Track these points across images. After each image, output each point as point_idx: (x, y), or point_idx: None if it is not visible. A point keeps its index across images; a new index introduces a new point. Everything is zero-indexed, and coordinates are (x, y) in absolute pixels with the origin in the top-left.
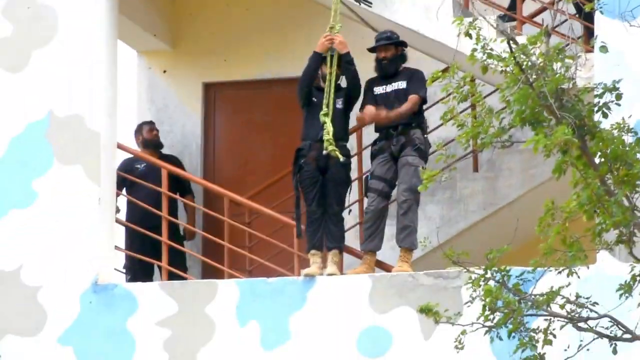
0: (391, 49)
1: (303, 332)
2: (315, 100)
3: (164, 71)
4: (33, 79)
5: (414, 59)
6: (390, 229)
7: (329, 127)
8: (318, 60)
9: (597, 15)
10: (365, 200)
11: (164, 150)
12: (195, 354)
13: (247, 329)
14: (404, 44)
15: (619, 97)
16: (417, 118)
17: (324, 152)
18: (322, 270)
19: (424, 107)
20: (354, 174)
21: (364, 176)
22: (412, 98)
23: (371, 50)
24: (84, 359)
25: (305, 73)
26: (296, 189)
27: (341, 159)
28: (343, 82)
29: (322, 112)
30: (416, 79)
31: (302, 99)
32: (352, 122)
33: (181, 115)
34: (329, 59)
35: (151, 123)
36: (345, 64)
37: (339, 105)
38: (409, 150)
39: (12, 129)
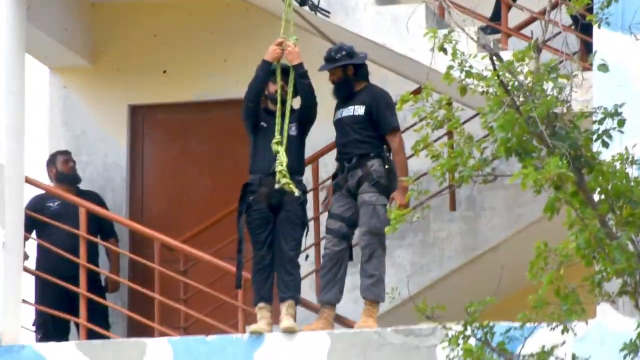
0: (337, 71)
1: None
2: (265, 125)
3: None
4: None
5: (381, 77)
6: (352, 278)
7: (282, 158)
8: (267, 70)
9: (597, 27)
10: (322, 243)
11: (82, 185)
12: None
13: None
14: (355, 61)
15: (621, 123)
16: (376, 147)
17: (276, 186)
18: (271, 327)
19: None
20: (309, 213)
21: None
22: (394, 138)
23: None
24: None
25: (252, 87)
26: (240, 230)
27: (296, 193)
28: (296, 103)
29: (274, 140)
30: (383, 106)
31: (249, 122)
32: (308, 151)
33: (103, 144)
34: (278, 71)
35: (66, 153)
36: (298, 77)
37: (293, 131)
38: (366, 185)
39: None
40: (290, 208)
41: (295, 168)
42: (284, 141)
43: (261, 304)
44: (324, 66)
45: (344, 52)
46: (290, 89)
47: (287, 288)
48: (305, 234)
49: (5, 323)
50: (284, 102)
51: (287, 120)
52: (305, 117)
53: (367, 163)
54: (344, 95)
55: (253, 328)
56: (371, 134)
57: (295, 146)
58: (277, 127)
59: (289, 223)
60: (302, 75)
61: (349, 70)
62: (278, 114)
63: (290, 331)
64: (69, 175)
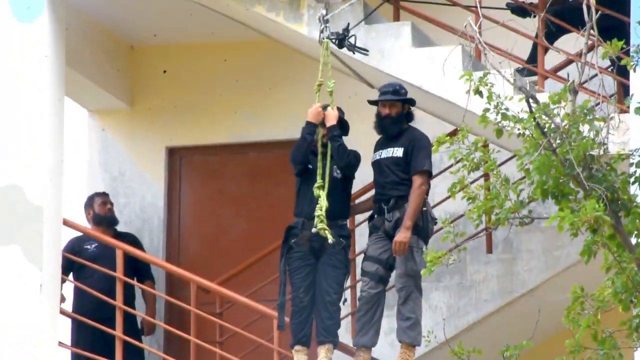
0: (397, 105)
1: None
2: (312, 167)
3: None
4: None
5: (417, 118)
6: (388, 320)
7: (322, 202)
8: (312, 131)
9: (633, 71)
10: (359, 286)
11: (120, 228)
12: None
13: None
14: (412, 102)
15: None
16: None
17: (313, 230)
18: None
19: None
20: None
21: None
22: (417, 179)
23: (372, 102)
24: None
25: (298, 148)
26: (283, 272)
27: (330, 240)
28: None
29: (315, 185)
30: (419, 148)
31: (296, 169)
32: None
33: (140, 185)
34: (319, 129)
35: (104, 195)
36: (330, 139)
37: (337, 174)
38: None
39: None
40: (332, 252)
41: (339, 212)
42: (326, 185)
43: (298, 347)
44: (390, 95)
45: (404, 90)
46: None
47: (327, 332)
48: (346, 278)
49: None
50: (326, 146)
51: (328, 164)
52: (343, 173)
53: (405, 205)
54: (395, 133)
55: None
56: (408, 177)
57: (340, 189)
58: (319, 172)
59: (331, 266)
60: (333, 137)
61: (406, 108)
62: (320, 157)
63: None
64: (107, 217)
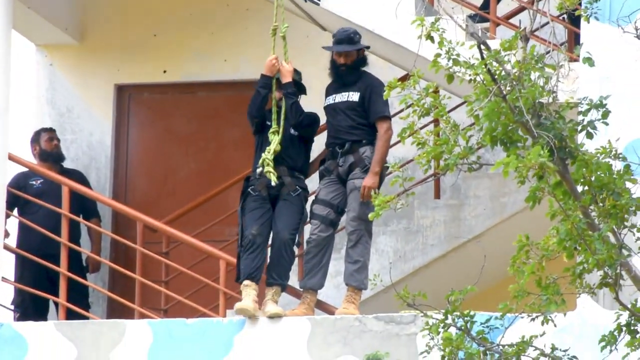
0: (352, 54)
1: None
2: (269, 124)
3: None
4: None
5: (369, 62)
6: (335, 263)
7: (272, 146)
8: (268, 84)
9: (586, 22)
10: (307, 228)
11: (66, 164)
12: None
13: None
14: (366, 47)
15: (606, 115)
16: (369, 134)
17: (258, 170)
18: (257, 305)
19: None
20: None
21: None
22: (381, 126)
23: (328, 49)
24: None
25: (254, 101)
26: (241, 224)
27: (273, 182)
28: None
29: (270, 130)
30: (376, 94)
31: (254, 125)
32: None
33: (88, 122)
34: (274, 82)
35: (51, 130)
36: (284, 96)
37: (293, 132)
38: (358, 171)
39: None
40: (288, 197)
41: (298, 167)
42: (281, 131)
43: (247, 282)
44: (344, 47)
45: (359, 36)
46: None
47: (278, 274)
48: (302, 224)
49: None
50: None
51: (283, 114)
52: (300, 131)
53: (360, 149)
54: (351, 80)
55: (239, 305)
56: (364, 122)
57: (297, 146)
58: (274, 117)
59: (287, 210)
60: (290, 94)
61: (362, 53)
62: (274, 116)
63: (276, 316)
64: (53, 153)
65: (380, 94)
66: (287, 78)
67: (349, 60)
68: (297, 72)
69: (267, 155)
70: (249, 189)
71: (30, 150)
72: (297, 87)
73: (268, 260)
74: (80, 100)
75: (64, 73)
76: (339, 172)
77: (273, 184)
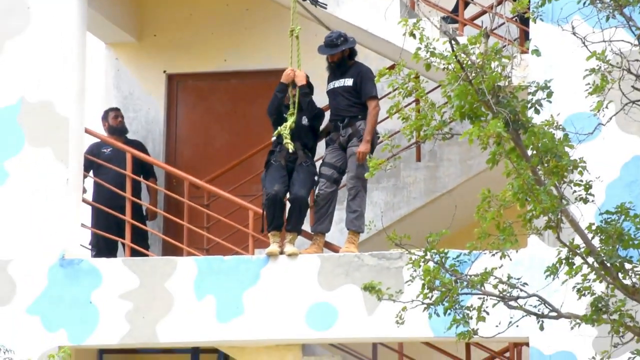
0: (337, 54)
1: (255, 306)
2: (285, 116)
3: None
4: (6, 67)
5: (364, 55)
6: (338, 213)
7: (288, 122)
8: (284, 89)
9: (533, 22)
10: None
11: (129, 136)
12: (154, 326)
13: (203, 302)
14: (350, 45)
15: (550, 95)
16: (363, 111)
17: (273, 137)
18: (281, 249)
19: None
20: None
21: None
22: (370, 104)
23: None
24: (50, 328)
25: (272, 103)
26: (264, 187)
27: (290, 149)
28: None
29: (288, 113)
30: (365, 79)
31: (273, 121)
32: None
33: (145, 103)
34: (290, 87)
35: (116, 110)
36: (301, 96)
37: (305, 122)
38: (355, 141)
39: None
40: (301, 167)
41: (308, 145)
42: (295, 113)
43: (273, 232)
44: (328, 51)
45: (342, 38)
46: (297, 93)
47: (295, 223)
48: (313, 186)
49: (68, 242)
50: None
51: (296, 106)
52: (311, 123)
53: (356, 123)
54: (340, 72)
55: (269, 250)
56: (358, 101)
57: (308, 132)
58: (290, 103)
59: (301, 175)
60: (304, 94)
61: (346, 52)
62: (291, 103)
63: (293, 255)
64: (118, 128)
65: (369, 78)
66: (301, 81)
67: (335, 58)
68: (306, 76)
69: (284, 130)
70: (271, 160)
71: (101, 125)
72: (308, 86)
73: (287, 212)
74: (138, 86)
75: (126, 65)
76: (341, 141)
77: (290, 151)
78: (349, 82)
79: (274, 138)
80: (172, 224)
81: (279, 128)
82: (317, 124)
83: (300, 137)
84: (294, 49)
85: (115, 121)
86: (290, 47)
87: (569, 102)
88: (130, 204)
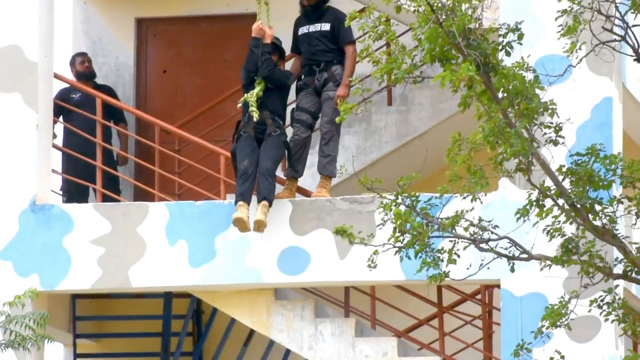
0: None
1: (227, 251)
2: (256, 78)
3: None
4: None
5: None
6: (310, 157)
7: (255, 90)
8: (257, 44)
9: None
10: (290, 130)
11: (99, 81)
12: (127, 270)
13: (175, 247)
14: None
15: (520, 37)
16: (339, 56)
17: (238, 104)
18: (248, 216)
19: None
20: None
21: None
22: (349, 49)
23: None
24: (22, 273)
25: (250, 57)
26: (234, 158)
27: (255, 118)
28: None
29: (257, 80)
30: (343, 24)
31: (246, 81)
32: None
33: (115, 48)
34: (261, 44)
35: (83, 54)
36: (261, 53)
37: (270, 85)
38: (331, 85)
39: None
40: (271, 138)
41: (277, 112)
42: (262, 84)
43: (241, 203)
44: None
45: None
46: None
47: (265, 193)
48: (281, 157)
49: (39, 188)
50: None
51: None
52: (270, 82)
53: (332, 68)
54: (315, 16)
55: (235, 215)
56: (334, 47)
57: (275, 97)
58: (258, 75)
59: (270, 145)
60: (263, 53)
61: None
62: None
63: (261, 225)
64: (85, 73)
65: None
66: (267, 40)
67: (312, 2)
68: (277, 39)
69: (251, 97)
70: (240, 132)
71: (70, 70)
72: (278, 50)
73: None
74: (108, 31)
75: (95, 9)
76: (316, 86)
77: (255, 119)
78: (325, 26)
79: (239, 105)
80: (143, 169)
81: (245, 95)
82: (273, 84)
83: (269, 102)
84: (264, 14)
85: (82, 66)
86: (258, 15)
87: (539, 44)
88: (101, 149)
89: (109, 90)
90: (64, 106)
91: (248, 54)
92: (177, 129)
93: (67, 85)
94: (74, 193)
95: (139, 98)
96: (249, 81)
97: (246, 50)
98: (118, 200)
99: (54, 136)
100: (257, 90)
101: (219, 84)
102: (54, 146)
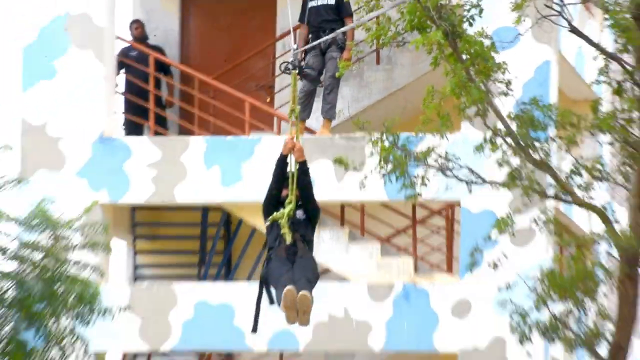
0: None
1: (251, 175)
2: (284, 200)
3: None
4: None
5: None
6: (315, 105)
7: (287, 210)
8: (284, 161)
9: None
10: (300, 84)
11: (151, 42)
12: (173, 188)
13: (210, 171)
14: None
15: (480, 12)
16: (340, 24)
17: (267, 223)
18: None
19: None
20: None
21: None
22: (348, 21)
23: None
24: (94, 188)
25: (275, 175)
26: (264, 285)
27: (288, 240)
28: None
29: (287, 200)
30: (343, 1)
31: (267, 209)
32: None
33: (164, 17)
34: (291, 177)
35: (137, 21)
36: (301, 174)
37: (300, 216)
38: (333, 48)
39: (40, 21)
40: (303, 257)
41: (306, 237)
42: (293, 200)
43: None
44: None
45: None
46: (295, 172)
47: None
48: (316, 280)
49: (106, 124)
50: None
51: (294, 192)
52: (306, 206)
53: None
54: None
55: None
56: (337, 17)
57: (305, 226)
58: (290, 189)
59: (305, 261)
60: (304, 172)
61: None
62: (290, 187)
63: (305, 300)
64: (138, 37)
65: (346, 1)
66: (301, 157)
67: None
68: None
69: (282, 218)
70: (271, 256)
71: (129, 33)
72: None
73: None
74: (158, 3)
75: None
76: (321, 47)
77: (288, 242)
78: (331, 1)
79: (267, 223)
80: (185, 112)
81: (274, 214)
82: (314, 220)
83: (299, 229)
84: (294, 127)
85: (136, 31)
86: (290, 130)
87: (495, 17)
88: (153, 96)
89: (159, 49)
90: (124, 61)
91: (274, 171)
92: (212, 80)
93: (127, 45)
94: (132, 128)
95: (182, 56)
96: (269, 202)
97: (269, 18)
98: (166, 135)
99: (117, 85)
100: (288, 210)
101: (245, 45)
102: (117, 92)
